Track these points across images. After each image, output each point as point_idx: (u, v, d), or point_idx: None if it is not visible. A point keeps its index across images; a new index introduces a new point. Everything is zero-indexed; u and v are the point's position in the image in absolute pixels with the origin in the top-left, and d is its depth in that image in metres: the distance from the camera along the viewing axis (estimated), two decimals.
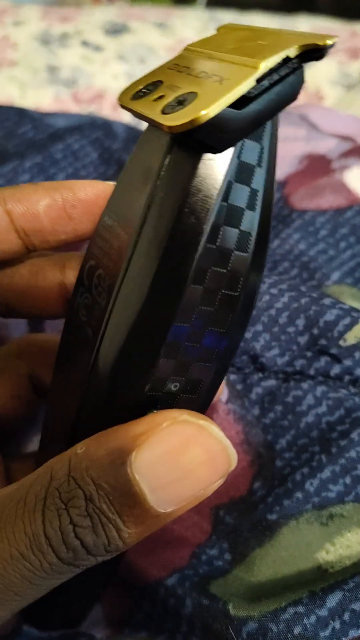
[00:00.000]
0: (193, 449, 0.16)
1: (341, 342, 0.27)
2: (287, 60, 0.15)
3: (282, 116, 0.40)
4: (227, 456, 0.16)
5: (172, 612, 0.24)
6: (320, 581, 0.22)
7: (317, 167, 0.37)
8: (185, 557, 0.25)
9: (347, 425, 0.26)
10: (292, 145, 0.38)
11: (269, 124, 0.16)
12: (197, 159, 0.16)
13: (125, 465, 0.15)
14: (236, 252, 0.17)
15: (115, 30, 0.62)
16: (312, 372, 0.28)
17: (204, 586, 0.24)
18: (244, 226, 0.17)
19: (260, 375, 0.28)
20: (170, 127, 0.15)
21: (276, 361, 0.28)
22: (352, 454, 0.25)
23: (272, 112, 0.16)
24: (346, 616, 0.21)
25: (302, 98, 0.58)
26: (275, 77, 0.15)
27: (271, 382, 0.28)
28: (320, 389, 0.27)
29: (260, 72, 0.15)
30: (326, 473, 0.24)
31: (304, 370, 0.28)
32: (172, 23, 0.64)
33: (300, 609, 0.21)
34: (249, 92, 0.15)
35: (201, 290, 0.16)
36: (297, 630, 0.21)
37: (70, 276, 0.22)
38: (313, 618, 0.21)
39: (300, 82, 0.16)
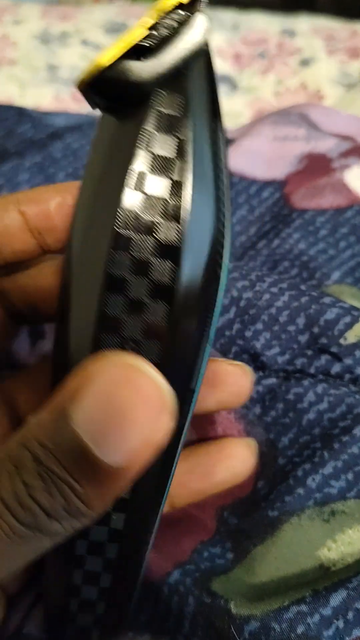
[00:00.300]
0: (123, 390, 0.15)
1: (341, 341, 0.27)
2: (181, 7, 0.16)
3: (282, 115, 0.40)
4: (159, 391, 0.15)
5: (175, 611, 0.24)
6: (323, 580, 0.22)
7: (317, 166, 0.37)
8: (187, 551, 0.25)
9: (349, 421, 0.26)
10: (292, 144, 0.38)
11: (193, 74, 0.16)
12: (117, 115, 0.16)
13: (66, 421, 0.15)
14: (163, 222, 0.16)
15: (115, 29, 0.62)
16: (312, 370, 0.28)
17: (205, 583, 0.24)
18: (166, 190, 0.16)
19: (261, 373, 0.28)
20: (78, 84, 0.16)
21: (277, 360, 0.28)
22: (355, 450, 0.25)
23: (182, 59, 0.16)
24: (350, 615, 0.21)
25: (302, 97, 0.58)
26: (172, 24, 0.15)
27: (272, 381, 0.28)
28: (321, 386, 0.27)
29: (150, 21, 0.15)
30: (328, 469, 0.24)
31: (304, 368, 0.28)
32: None
33: (304, 608, 0.21)
34: (147, 42, 0.15)
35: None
36: (300, 629, 0.21)
37: None
38: (316, 617, 0.21)
39: (203, 26, 0.16)
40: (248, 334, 0.28)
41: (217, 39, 0.62)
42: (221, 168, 0.17)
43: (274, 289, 0.29)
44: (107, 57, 0.15)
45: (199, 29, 0.16)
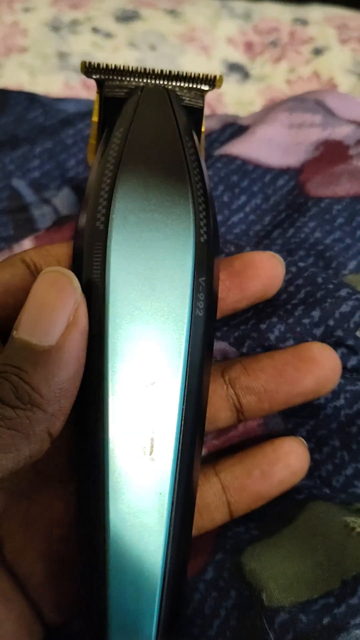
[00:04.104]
0: (40, 286, 0.19)
1: (357, 334, 0.27)
2: None
3: (298, 102, 0.39)
4: (61, 273, 0.19)
5: (207, 611, 0.23)
6: (352, 565, 0.22)
7: (334, 153, 0.36)
8: (210, 538, 0.25)
9: None
10: (308, 131, 0.37)
11: None
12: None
13: (12, 338, 0.19)
14: None
15: (126, 17, 0.61)
16: None
17: (235, 556, 0.24)
18: None
19: None
20: None
21: None
22: None
23: None
24: None
25: (315, 86, 0.58)
26: None
27: None
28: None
29: None
30: (350, 470, 0.24)
31: None
32: (184, 10, 0.63)
33: (331, 599, 0.21)
34: None
35: None
36: (326, 620, 0.21)
37: None
38: (343, 607, 0.21)
39: None
40: (262, 326, 0.28)
41: (228, 27, 0.61)
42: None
43: (291, 288, 0.28)
44: None
45: None
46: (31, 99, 0.42)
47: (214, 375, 0.25)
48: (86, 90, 0.54)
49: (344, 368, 0.27)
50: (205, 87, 0.24)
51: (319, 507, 0.24)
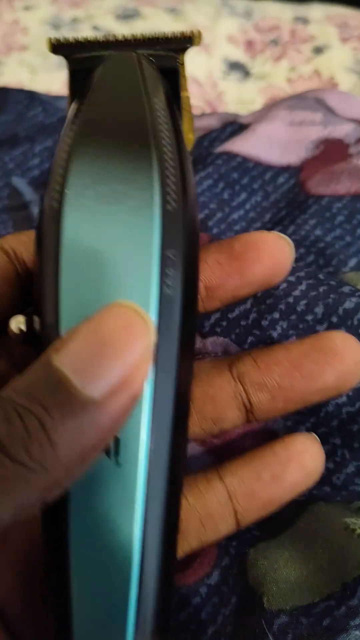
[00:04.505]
0: (107, 320, 0.15)
1: None
2: None
3: (298, 100, 0.39)
4: (141, 317, 0.15)
5: (204, 617, 0.23)
6: (353, 569, 0.21)
7: (334, 152, 0.36)
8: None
9: None
10: (308, 129, 0.37)
11: None
12: None
13: (48, 362, 0.14)
14: None
15: (127, 15, 0.61)
16: None
17: (241, 569, 0.23)
18: None
19: None
20: None
21: None
22: None
23: None
24: None
25: (315, 85, 0.57)
26: None
27: None
28: None
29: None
30: (351, 468, 0.24)
31: None
32: (184, 9, 0.63)
33: (332, 602, 0.21)
34: None
35: None
36: (326, 622, 0.20)
37: None
38: (343, 609, 0.21)
39: None
40: (264, 323, 0.28)
41: (229, 26, 0.61)
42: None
43: (292, 278, 0.28)
44: None
45: None
46: (31, 97, 0.42)
47: (220, 370, 0.23)
48: None
49: None
50: (179, 46, 0.22)
51: (320, 508, 0.24)
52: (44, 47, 0.23)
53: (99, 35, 0.22)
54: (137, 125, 0.18)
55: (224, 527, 0.22)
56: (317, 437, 0.23)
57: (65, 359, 0.14)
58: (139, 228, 0.17)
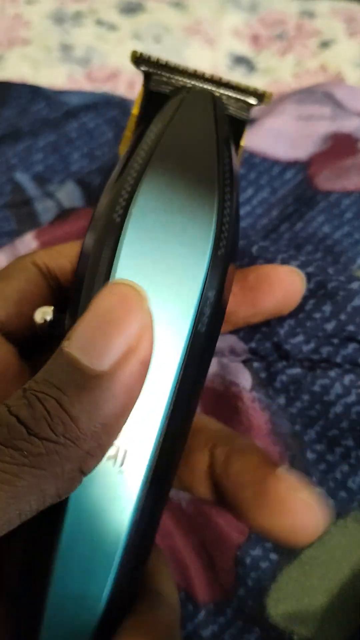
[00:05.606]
0: (104, 299, 0.17)
1: None
2: None
3: (306, 94, 0.39)
4: (134, 289, 0.17)
5: None
6: None
7: (343, 146, 0.35)
8: (228, 561, 0.24)
9: None
10: (316, 124, 0.37)
11: None
12: None
13: (61, 353, 0.16)
14: None
15: (131, 9, 0.61)
16: (339, 359, 0.26)
17: (260, 605, 0.23)
18: None
19: (285, 363, 0.27)
20: None
21: (301, 348, 0.27)
22: None
23: None
24: None
25: (322, 79, 0.57)
26: None
27: (296, 370, 0.27)
28: (348, 378, 0.26)
29: None
30: None
31: (330, 357, 0.27)
32: (189, 3, 0.62)
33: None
34: None
35: None
36: None
37: None
38: None
39: None
40: (272, 320, 0.27)
41: (234, 19, 0.61)
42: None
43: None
44: None
45: None
46: (34, 91, 0.41)
47: None
48: (90, 82, 0.54)
49: (355, 364, 0.26)
50: (252, 101, 0.23)
51: (341, 535, 0.24)
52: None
53: (179, 64, 0.23)
54: (207, 167, 0.20)
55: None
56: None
57: (74, 343, 0.16)
58: (190, 264, 0.18)
